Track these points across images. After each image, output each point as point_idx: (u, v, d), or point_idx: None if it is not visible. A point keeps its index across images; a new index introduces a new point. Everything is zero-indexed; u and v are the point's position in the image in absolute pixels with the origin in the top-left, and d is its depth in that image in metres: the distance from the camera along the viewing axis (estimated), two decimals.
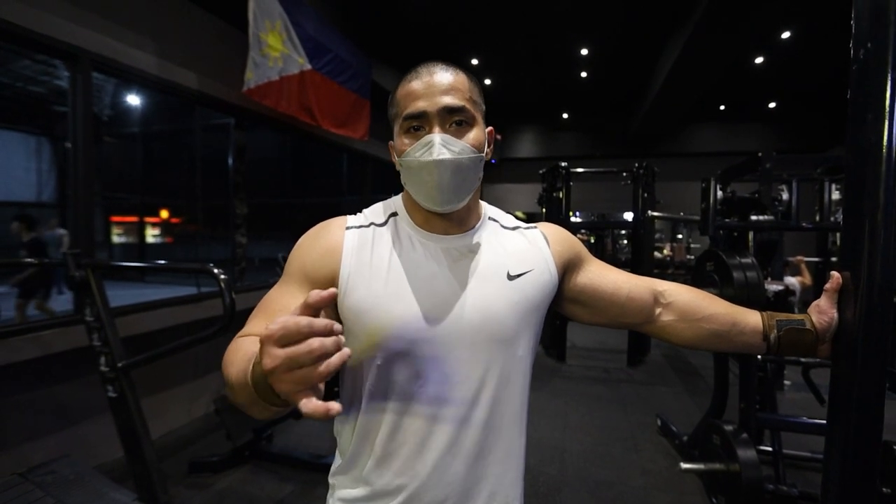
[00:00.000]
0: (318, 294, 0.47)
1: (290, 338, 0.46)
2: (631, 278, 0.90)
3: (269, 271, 4.43)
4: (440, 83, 0.74)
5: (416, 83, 0.75)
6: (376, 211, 0.84)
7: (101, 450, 2.74)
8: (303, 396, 0.46)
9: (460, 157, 0.73)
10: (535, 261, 0.83)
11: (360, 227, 0.80)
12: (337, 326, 0.47)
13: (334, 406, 0.46)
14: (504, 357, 0.77)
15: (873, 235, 0.73)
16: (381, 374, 0.74)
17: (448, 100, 0.73)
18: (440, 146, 0.72)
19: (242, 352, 0.64)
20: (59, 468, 1.94)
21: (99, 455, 2.74)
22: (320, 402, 0.46)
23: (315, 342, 0.45)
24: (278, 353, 0.46)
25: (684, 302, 0.88)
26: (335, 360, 0.46)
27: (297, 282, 0.76)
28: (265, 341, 0.47)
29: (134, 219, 13.47)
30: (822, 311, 0.81)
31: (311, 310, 0.48)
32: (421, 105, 0.73)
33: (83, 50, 2.68)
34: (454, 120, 0.74)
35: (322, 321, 0.47)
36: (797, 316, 0.83)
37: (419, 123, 0.74)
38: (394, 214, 0.83)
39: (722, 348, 0.89)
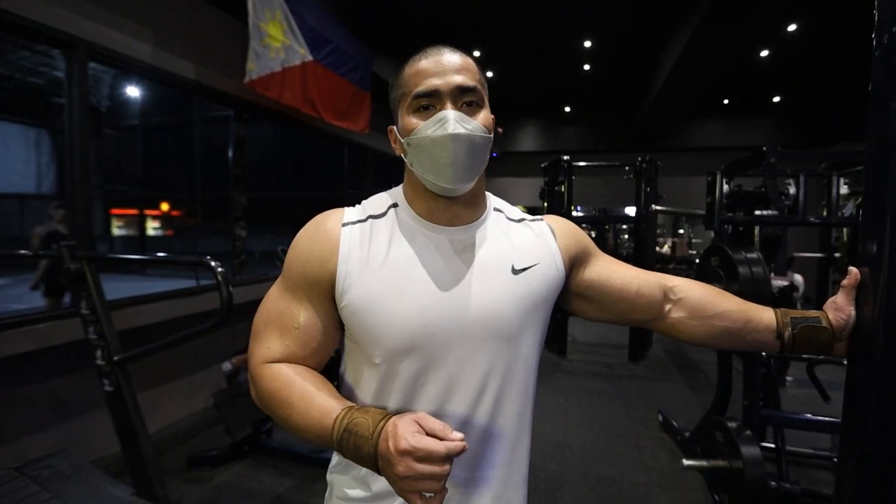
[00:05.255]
0: (457, 442, 0.58)
1: (428, 459, 0.56)
2: (640, 273, 0.87)
3: (270, 264, 4.40)
4: (451, 63, 0.72)
5: (426, 62, 0.73)
6: (375, 202, 0.81)
7: (99, 444, 2.72)
8: (418, 500, 0.58)
9: (474, 133, 0.71)
10: (541, 254, 0.80)
11: (358, 221, 0.77)
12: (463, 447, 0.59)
13: (438, 502, 0.59)
14: (508, 354, 0.75)
15: (895, 229, 0.70)
16: (381, 373, 0.72)
17: (460, 79, 0.71)
18: (455, 122, 0.69)
19: (298, 392, 0.71)
20: (55, 463, 1.92)
21: (97, 449, 2.72)
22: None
23: (447, 468, 0.57)
24: (415, 468, 0.56)
25: (695, 298, 0.85)
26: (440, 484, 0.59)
27: (303, 291, 0.75)
28: (405, 453, 0.57)
29: (134, 211, 13.45)
30: (840, 309, 0.77)
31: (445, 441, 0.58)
32: (433, 83, 0.71)
33: (79, 39, 2.64)
34: (465, 100, 0.72)
35: (459, 445, 0.58)
36: (812, 313, 0.80)
37: (430, 102, 0.72)
38: (394, 205, 0.79)
39: (734, 346, 0.86)
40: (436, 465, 0.56)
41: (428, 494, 0.58)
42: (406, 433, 0.57)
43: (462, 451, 0.57)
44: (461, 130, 0.69)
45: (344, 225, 0.76)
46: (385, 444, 0.59)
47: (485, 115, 0.74)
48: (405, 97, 0.74)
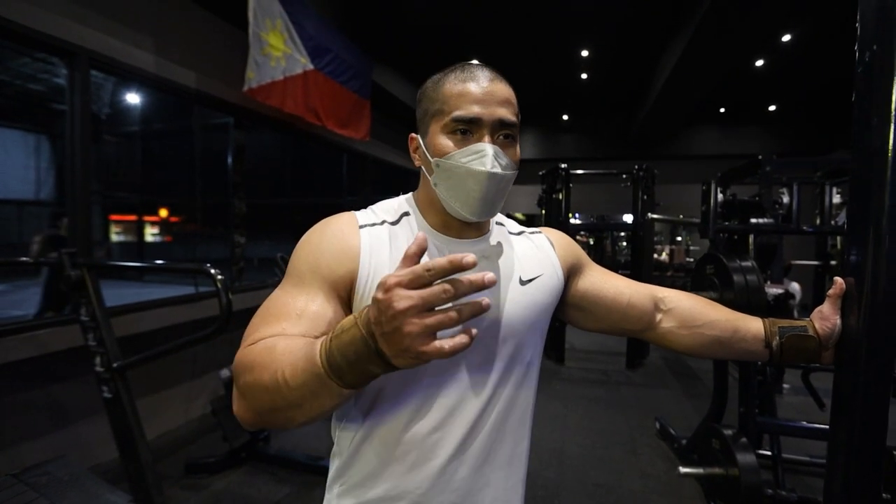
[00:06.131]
0: (416, 243, 0.47)
1: (420, 282, 0.45)
2: (632, 284, 0.90)
3: (268, 271, 4.41)
4: (498, 93, 0.72)
5: (474, 86, 0.72)
6: (387, 209, 0.81)
7: (98, 450, 2.72)
8: (430, 341, 0.45)
9: (507, 172, 0.72)
10: (543, 265, 0.83)
11: (374, 224, 0.76)
12: (468, 259, 0.45)
13: (467, 338, 0.45)
14: (516, 362, 0.77)
15: (878, 240, 0.72)
16: (394, 379, 0.71)
17: (504, 112, 0.72)
18: (493, 158, 0.70)
19: (282, 347, 0.58)
20: (53, 469, 1.92)
21: (95, 456, 2.72)
22: (456, 340, 0.45)
23: (448, 285, 0.44)
24: (411, 294, 0.44)
25: (685, 308, 0.88)
26: (470, 308, 0.45)
27: (313, 283, 0.70)
28: (392, 287, 0.45)
29: (133, 217, 13.44)
30: (825, 318, 0.80)
31: (416, 258, 0.47)
32: (477, 111, 0.70)
33: (81, 48, 2.67)
34: (503, 133, 0.73)
35: (447, 259, 0.45)
36: (799, 322, 0.82)
37: (468, 128, 0.71)
38: (405, 214, 0.80)
39: (723, 355, 0.88)
40: (434, 287, 0.45)
41: (447, 344, 0.45)
42: (390, 275, 0.46)
43: (472, 265, 0.45)
44: (498, 169, 0.70)
45: (362, 227, 0.75)
46: (373, 306, 0.47)
47: (517, 151, 0.75)
48: (441, 114, 0.73)
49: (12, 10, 2.34)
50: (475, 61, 0.77)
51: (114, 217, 13.28)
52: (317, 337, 0.63)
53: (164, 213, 13.43)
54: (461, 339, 0.45)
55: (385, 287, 0.46)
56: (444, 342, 0.45)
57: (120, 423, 1.98)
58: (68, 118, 2.71)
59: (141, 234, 13.33)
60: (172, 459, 2.92)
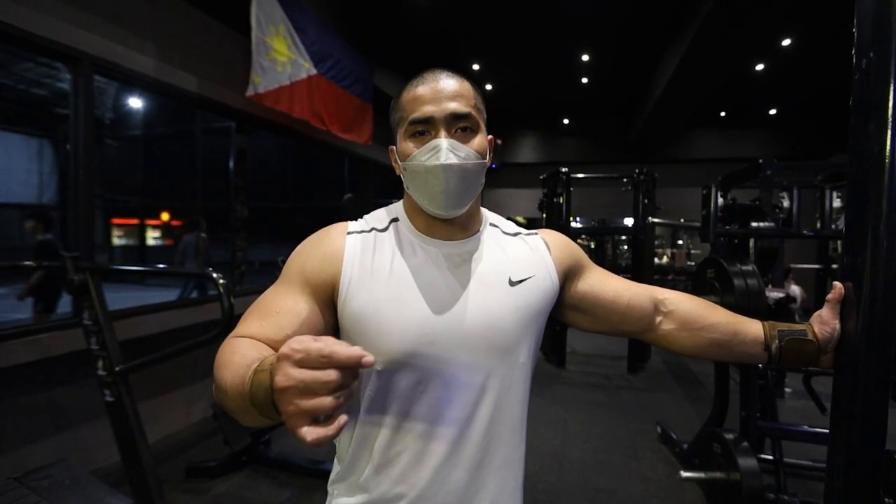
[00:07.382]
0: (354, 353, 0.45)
1: (308, 363, 0.44)
2: (632, 286, 0.90)
3: (269, 275, 4.42)
4: (447, 89, 0.75)
5: (423, 88, 0.75)
6: (378, 216, 0.84)
7: (99, 454, 2.72)
8: (304, 424, 0.44)
9: (466, 162, 0.73)
10: (536, 267, 0.83)
11: (362, 232, 0.80)
12: (368, 359, 0.45)
13: (333, 429, 0.44)
14: (505, 364, 0.77)
15: (876, 246, 0.73)
16: (381, 380, 0.73)
17: (454, 105, 0.74)
18: (447, 150, 0.72)
19: (239, 355, 0.62)
20: (55, 472, 1.92)
21: (96, 459, 2.72)
22: (320, 431, 0.44)
23: (332, 374, 0.43)
24: (292, 374, 0.44)
25: (685, 311, 0.88)
26: (343, 398, 0.45)
27: (297, 285, 0.75)
28: (282, 358, 0.45)
29: (135, 221, 13.47)
30: (825, 322, 0.80)
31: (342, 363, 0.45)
32: (428, 110, 0.73)
33: (85, 53, 2.69)
34: (460, 126, 0.75)
35: (347, 351, 0.44)
36: (799, 326, 0.83)
37: (425, 128, 0.74)
38: (395, 220, 0.83)
39: (723, 358, 0.89)
40: (317, 371, 0.43)
41: (309, 436, 0.44)
42: (294, 341, 0.45)
43: (356, 361, 0.44)
44: (453, 160, 0.72)
45: (349, 234, 0.79)
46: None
47: (479, 141, 0.76)
48: (402, 121, 0.77)
49: (17, 16, 2.35)
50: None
51: (116, 220, 13.31)
52: (287, 335, 0.68)
53: (165, 216, 13.46)
54: (325, 431, 0.44)
55: (279, 355, 0.45)
56: (308, 433, 0.44)
57: (122, 427, 1.98)
58: (71, 122, 2.73)
59: (143, 237, 13.35)
60: (174, 463, 2.92)
